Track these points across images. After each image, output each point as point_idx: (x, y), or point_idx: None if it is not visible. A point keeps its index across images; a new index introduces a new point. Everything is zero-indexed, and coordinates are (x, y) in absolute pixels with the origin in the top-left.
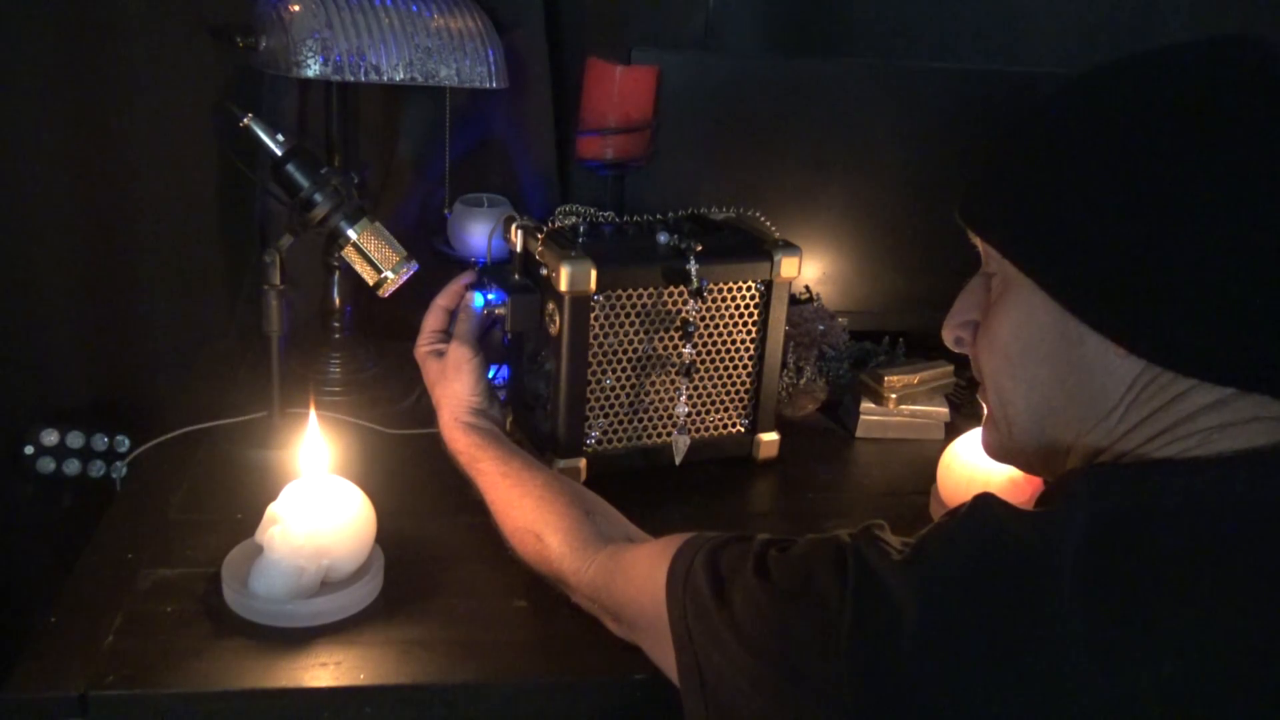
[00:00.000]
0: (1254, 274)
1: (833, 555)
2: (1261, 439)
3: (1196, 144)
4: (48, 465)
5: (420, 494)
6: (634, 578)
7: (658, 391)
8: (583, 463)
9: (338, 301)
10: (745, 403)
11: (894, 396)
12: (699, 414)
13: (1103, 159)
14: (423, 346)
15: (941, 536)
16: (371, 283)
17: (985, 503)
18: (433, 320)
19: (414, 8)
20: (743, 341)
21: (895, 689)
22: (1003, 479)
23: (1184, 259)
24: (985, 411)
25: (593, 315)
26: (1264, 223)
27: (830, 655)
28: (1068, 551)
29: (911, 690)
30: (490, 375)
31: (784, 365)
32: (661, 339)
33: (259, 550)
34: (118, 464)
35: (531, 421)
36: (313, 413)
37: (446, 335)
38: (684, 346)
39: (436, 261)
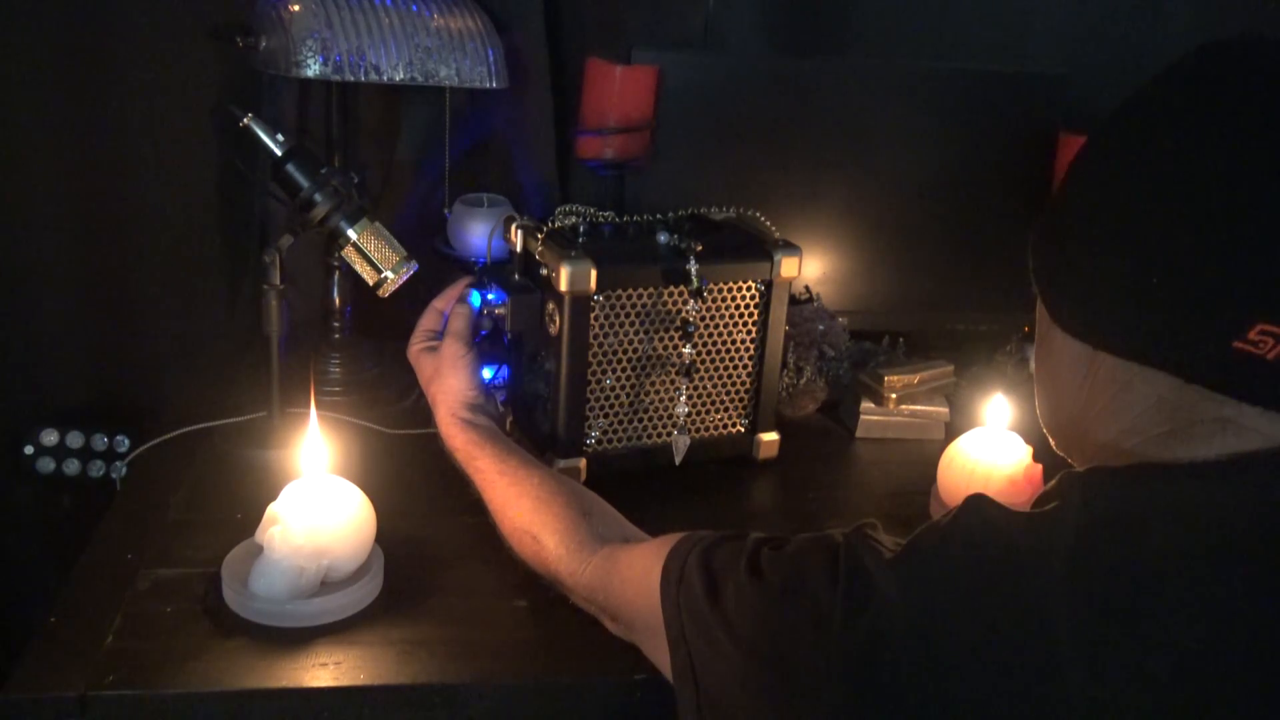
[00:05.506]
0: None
1: (825, 554)
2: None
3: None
4: (48, 465)
5: (420, 494)
6: (630, 578)
7: (658, 391)
8: (583, 463)
9: (338, 301)
10: (745, 403)
11: (894, 396)
12: (699, 414)
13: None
14: (415, 345)
15: (933, 536)
16: (371, 283)
17: (977, 503)
18: (427, 321)
19: (414, 8)
20: (743, 341)
21: (885, 688)
22: (1002, 478)
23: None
24: None
25: (593, 315)
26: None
27: (821, 654)
28: (1058, 552)
29: (901, 689)
30: (490, 375)
31: (784, 365)
32: (661, 339)
33: (259, 550)
34: (118, 464)
35: (531, 421)
36: (313, 413)
37: (439, 336)
38: (684, 346)
39: (436, 261)
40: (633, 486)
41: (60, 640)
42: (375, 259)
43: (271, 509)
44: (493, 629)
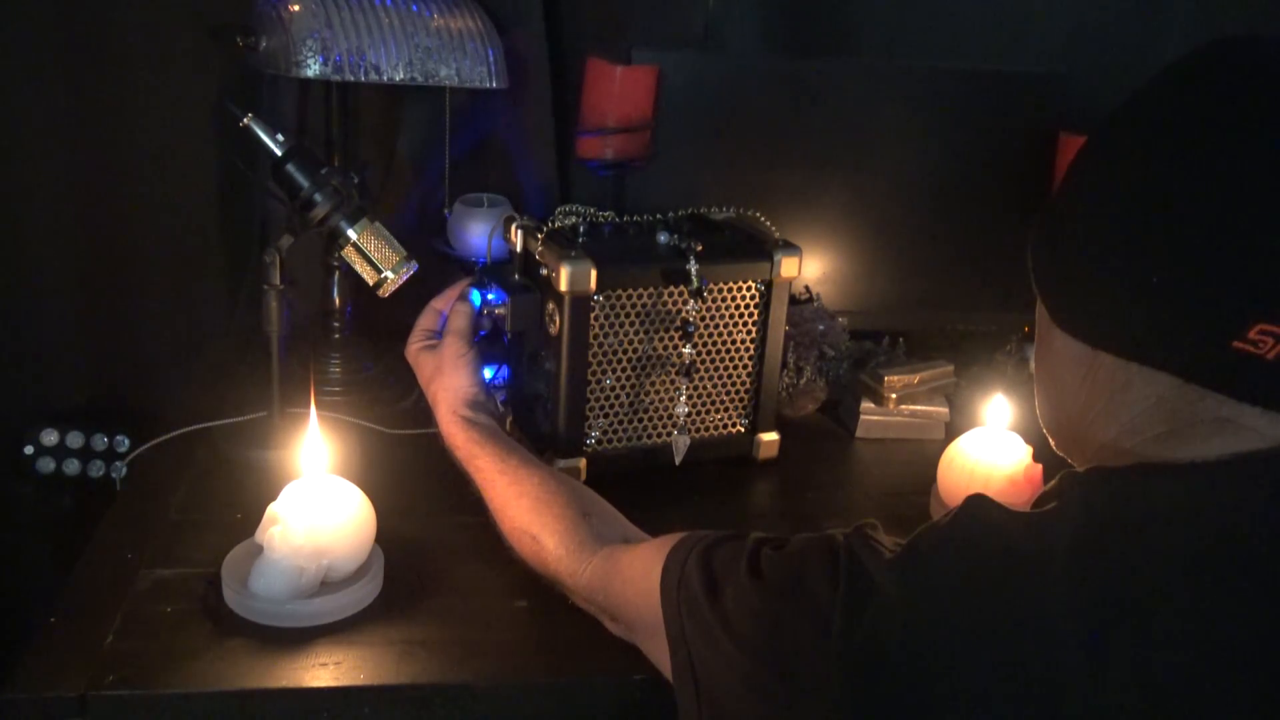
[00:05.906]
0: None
1: (825, 554)
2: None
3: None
4: (48, 465)
5: (420, 494)
6: (630, 579)
7: (658, 391)
8: (583, 462)
9: (338, 301)
10: (745, 403)
11: (894, 396)
12: (699, 414)
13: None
14: (414, 345)
15: (933, 536)
16: (371, 283)
17: (978, 503)
18: (426, 320)
19: (414, 8)
20: (743, 341)
21: (885, 688)
22: (1003, 479)
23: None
24: None
25: (593, 315)
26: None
27: (821, 654)
28: (1058, 553)
29: (901, 690)
30: (490, 375)
31: (784, 365)
32: (661, 339)
33: (259, 550)
34: (118, 464)
35: (531, 421)
36: (313, 413)
37: (437, 336)
38: (684, 346)
39: (436, 261)
40: (633, 486)
41: (60, 640)
42: (375, 259)
43: (271, 509)
44: (493, 629)
